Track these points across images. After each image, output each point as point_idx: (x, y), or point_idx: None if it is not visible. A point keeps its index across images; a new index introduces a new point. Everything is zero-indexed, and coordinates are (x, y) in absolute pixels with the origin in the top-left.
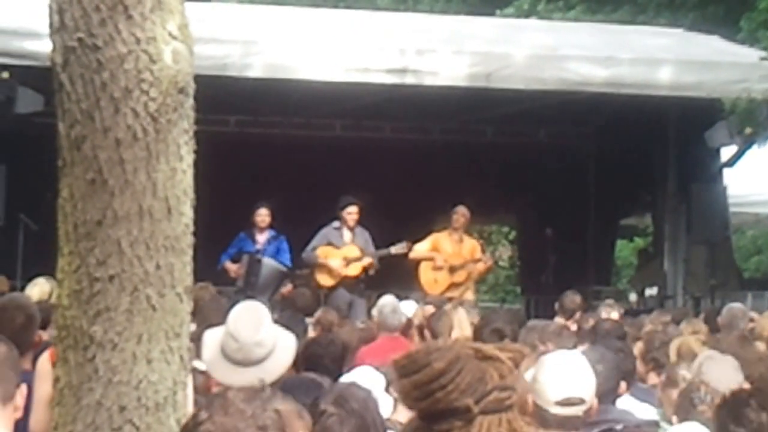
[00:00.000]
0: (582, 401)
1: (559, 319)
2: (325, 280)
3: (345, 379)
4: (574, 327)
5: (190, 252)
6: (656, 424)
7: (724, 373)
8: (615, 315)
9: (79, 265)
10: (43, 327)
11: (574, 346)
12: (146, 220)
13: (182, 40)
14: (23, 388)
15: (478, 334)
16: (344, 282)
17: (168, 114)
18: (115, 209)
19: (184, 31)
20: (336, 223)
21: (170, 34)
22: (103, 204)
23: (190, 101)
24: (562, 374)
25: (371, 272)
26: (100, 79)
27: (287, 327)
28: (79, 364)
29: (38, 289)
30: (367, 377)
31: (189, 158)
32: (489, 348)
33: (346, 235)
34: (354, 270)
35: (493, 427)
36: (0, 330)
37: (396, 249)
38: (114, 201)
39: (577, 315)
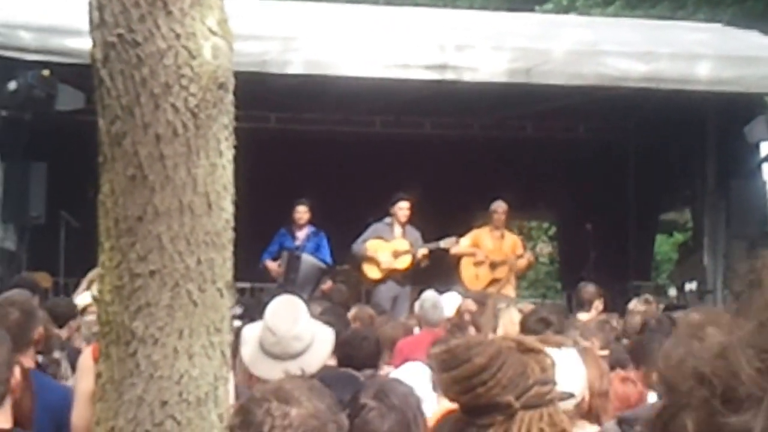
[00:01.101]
0: (571, 396)
1: (579, 313)
2: (372, 272)
3: (394, 374)
4: (591, 315)
5: (231, 247)
6: None
7: None
8: (641, 307)
9: (120, 260)
10: (61, 325)
11: (618, 340)
12: (187, 215)
13: (222, 35)
14: (16, 372)
15: (524, 323)
16: (392, 275)
17: (208, 109)
18: (155, 205)
19: (224, 27)
20: (387, 219)
21: (210, 30)
22: (143, 200)
23: (230, 97)
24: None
25: (423, 264)
26: (140, 74)
27: (330, 322)
28: (120, 360)
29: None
30: (414, 372)
31: (229, 153)
32: (531, 340)
33: (397, 230)
34: (403, 263)
35: (534, 422)
36: None
37: (445, 243)
38: (154, 196)
39: (596, 304)
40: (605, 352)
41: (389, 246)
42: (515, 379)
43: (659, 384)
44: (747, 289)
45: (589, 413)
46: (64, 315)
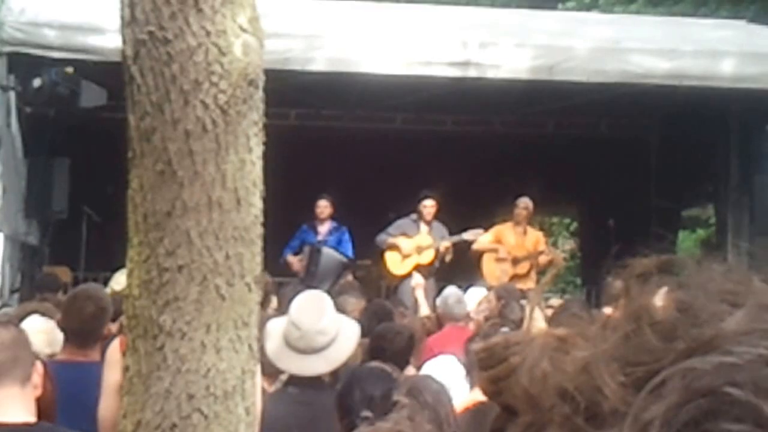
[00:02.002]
0: None
1: (606, 308)
2: (396, 268)
3: (426, 368)
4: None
5: (260, 243)
6: None
7: None
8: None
9: (148, 255)
10: (114, 319)
11: None
12: (215, 210)
13: (252, 32)
14: (38, 366)
15: (554, 318)
16: (415, 270)
17: (237, 106)
18: (184, 200)
19: (255, 24)
20: (413, 216)
21: (240, 27)
22: (172, 195)
23: (260, 93)
24: None
25: (446, 259)
26: (170, 71)
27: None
28: (148, 353)
29: (120, 280)
30: (446, 366)
31: (258, 150)
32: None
33: (423, 228)
34: (426, 258)
35: None
36: (70, 319)
37: (469, 235)
38: (183, 192)
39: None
40: None
41: (413, 241)
42: None
43: (521, 400)
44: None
45: None
46: (117, 311)
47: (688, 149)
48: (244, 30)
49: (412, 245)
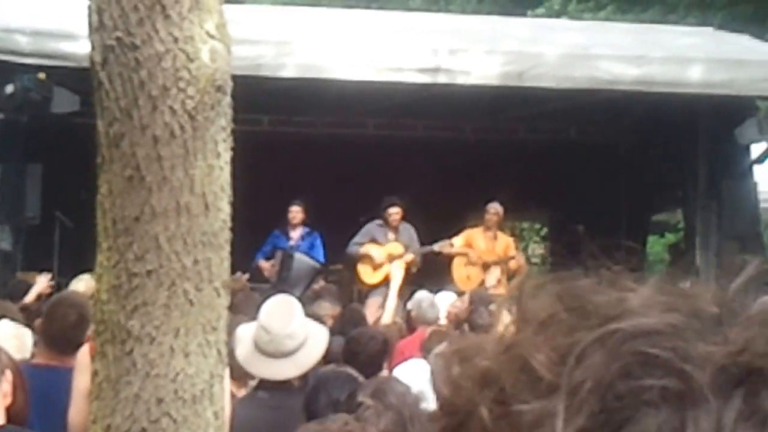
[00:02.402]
0: None
1: None
2: (369, 277)
3: (396, 372)
4: None
5: (228, 247)
6: None
7: None
8: None
9: (117, 260)
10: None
11: None
12: (184, 216)
13: (220, 39)
14: (8, 374)
15: None
16: (387, 280)
17: (205, 112)
18: (152, 205)
19: (222, 31)
20: (379, 221)
21: (208, 33)
22: (141, 200)
23: (228, 99)
24: None
25: (413, 269)
26: (139, 77)
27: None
28: (117, 358)
29: (83, 284)
30: (415, 369)
31: (226, 155)
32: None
33: (390, 234)
34: (397, 268)
35: None
36: (52, 325)
37: (440, 246)
38: (152, 197)
39: None
40: None
41: (384, 250)
42: None
43: (438, 411)
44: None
45: None
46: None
47: (657, 155)
48: (211, 36)
49: (384, 254)
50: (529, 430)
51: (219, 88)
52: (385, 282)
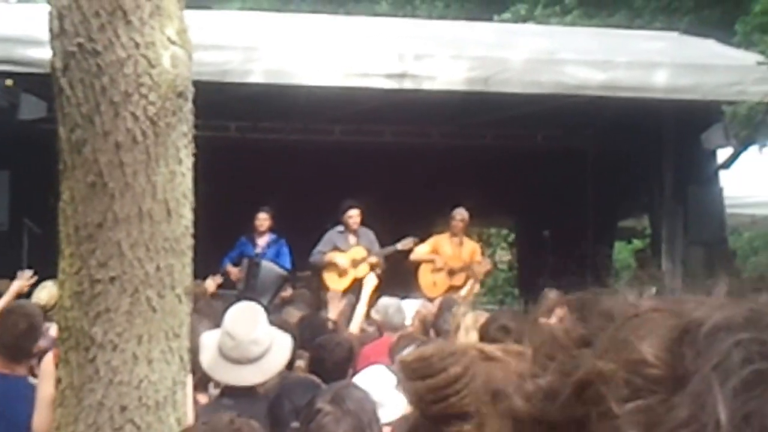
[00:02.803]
0: None
1: (541, 319)
2: (335, 284)
3: (357, 378)
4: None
5: (190, 254)
6: None
7: None
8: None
9: (80, 267)
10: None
11: None
12: (146, 222)
13: (181, 45)
14: None
15: (484, 331)
16: (353, 286)
17: (167, 117)
18: (115, 212)
19: (183, 37)
20: (340, 227)
21: (169, 39)
22: (103, 207)
23: (189, 105)
24: None
25: (378, 271)
26: (100, 83)
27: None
28: (80, 365)
29: (47, 292)
30: (378, 376)
31: (188, 161)
32: (492, 349)
33: (351, 238)
34: (362, 271)
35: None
36: (2, 334)
37: (402, 245)
38: (114, 204)
39: (558, 311)
40: None
41: (347, 255)
42: (485, 387)
43: (472, 406)
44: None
45: None
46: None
47: (623, 160)
48: (172, 42)
49: (347, 260)
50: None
51: (180, 94)
52: (351, 289)
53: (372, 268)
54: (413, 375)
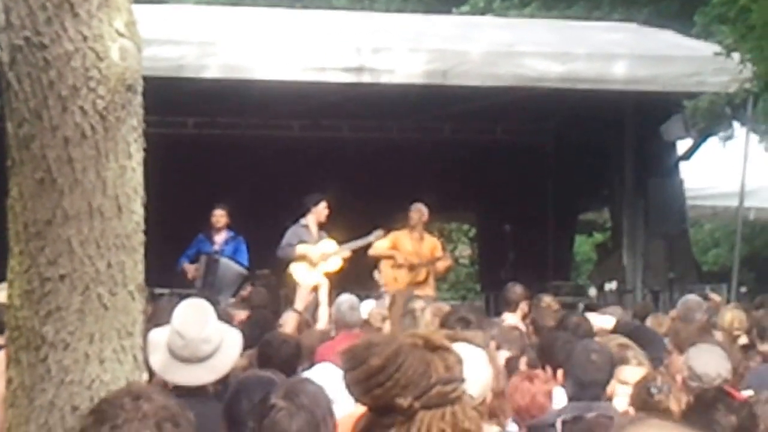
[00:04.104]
0: (471, 398)
1: (505, 313)
2: (304, 278)
3: (306, 375)
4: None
5: (142, 250)
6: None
7: (711, 362)
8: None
9: (29, 265)
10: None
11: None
12: (96, 218)
13: (129, 37)
14: None
15: (444, 322)
16: (325, 278)
17: (116, 111)
18: (64, 208)
19: (132, 29)
20: (302, 221)
21: (117, 32)
22: (52, 203)
23: (139, 99)
24: None
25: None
26: (48, 77)
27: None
28: (31, 365)
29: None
30: (327, 373)
31: (138, 156)
32: (438, 337)
33: (314, 231)
34: (333, 265)
35: (435, 421)
36: None
37: (374, 236)
38: (63, 200)
39: (522, 305)
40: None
41: (317, 249)
42: (415, 379)
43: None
44: None
45: (489, 413)
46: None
47: (583, 153)
48: (121, 34)
49: (318, 254)
50: None
51: (129, 87)
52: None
53: (344, 261)
54: (344, 366)
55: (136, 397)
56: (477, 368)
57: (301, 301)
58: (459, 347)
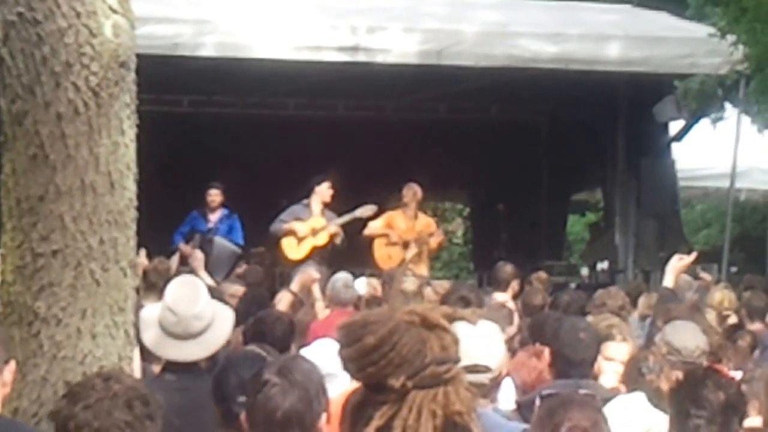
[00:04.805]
0: (487, 369)
1: (495, 292)
2: (293, 252)
3: (305, 351)
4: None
5: (134, 226)
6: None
7: (688, 336)
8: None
9: (22, 240)
10: None
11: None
12: (89, 194)
13: (123, 13)
14: (12, 364)
15: (444, 301)
16: (311, 255)
17: (109, 88)
18: (57, 184)
19: (125, 5)
20: (305, 201)
21: (110, 8)
22: (45, 179)
23: (132, 75)
24: (469, 342)
25: (338, 241)
26: (41, 53)
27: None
28: (23, 340)
29: None
30: (324, 349)
31: (131, 132)
32: (435, 316)
33: (316, 210)
34: (321, 239)
35: (426, 402)
36: None
37: (361, 211)
38: (56, 176)
39: (513, 284)
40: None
41: (307, 224)
42: (410, 358)
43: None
44: None
45: None
46: None
47: (577, 133)
48: (114, 11)
49: (307, 228)
50: None
51: (123, 64)
52: (310, 256)
53: (331, 237)
54: (341, 343)
55: (106, 378)
56: (494, 342)
57: (297, 284)
58: (477, 323)
